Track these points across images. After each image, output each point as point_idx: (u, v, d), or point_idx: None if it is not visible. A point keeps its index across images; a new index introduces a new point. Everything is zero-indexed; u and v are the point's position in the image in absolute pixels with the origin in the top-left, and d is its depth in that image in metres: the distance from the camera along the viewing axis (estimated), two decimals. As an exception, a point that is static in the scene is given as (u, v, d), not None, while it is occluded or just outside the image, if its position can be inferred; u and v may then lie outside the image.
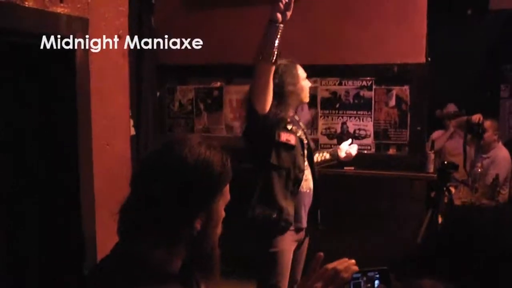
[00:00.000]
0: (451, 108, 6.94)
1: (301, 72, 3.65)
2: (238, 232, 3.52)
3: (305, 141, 3.66)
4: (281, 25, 3.11)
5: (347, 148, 4.10)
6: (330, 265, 1.89)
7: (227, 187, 1.76)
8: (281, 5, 3.07)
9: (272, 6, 3.10)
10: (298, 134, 3.59)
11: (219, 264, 1.82)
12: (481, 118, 5.63)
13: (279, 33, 3.11)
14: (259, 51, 3.14)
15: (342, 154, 4.09)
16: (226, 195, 1.76)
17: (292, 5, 3.10)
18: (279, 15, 3.08)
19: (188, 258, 1.72)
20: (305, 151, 3.63)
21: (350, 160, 4.22)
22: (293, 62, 3.63)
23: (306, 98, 3.70)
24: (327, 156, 4.06)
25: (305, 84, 3.65)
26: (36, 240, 2.12)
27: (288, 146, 3.50)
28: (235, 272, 3.92)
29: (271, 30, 3.11)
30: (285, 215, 3.45)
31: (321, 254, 1.84)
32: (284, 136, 3.49)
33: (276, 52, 3.13)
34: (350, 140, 4.20)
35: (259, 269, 3.61)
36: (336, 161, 4.17)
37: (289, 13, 3.11)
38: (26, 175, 1.93)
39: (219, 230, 1.76)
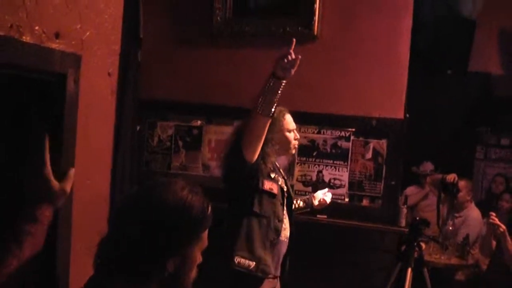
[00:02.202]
0: (428, 166, 7.01)
1: (288, 123, 3.63)
2: (216, 279, 3.54)
3: (285, 189, 3.66)
4: (284, 81, 3.11)
5: (321, 197, 4.14)
6: None
7: (205, 233, 1.79)
8: (286, 62, 3.06)
9: (277, 61, 3.08)
10: (279, 183, 3.58)
11: None
12: (456, 178, 5.73)
13: (281, 89, 3.12)
14: (259, 105, 3.14)
15: (315, 202, 4.12)
16: (203, 241, 1.79)
17: (298, 62, 3.09)
18: (283, 72, 3.09)
19: None
20: (285, 200, 3.63)
21: (323, 208, 4.26)
22: (283, 111, 3.60)
23: (287, 150, 3.67)
24: (301, 204, 4.08)
25: (289, 135, 3.62)
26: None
27: (270, 194, 3.48)
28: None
29: (273, 85, 3.10)
30: (262, 265, 3.42)
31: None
32: (268, 185, 3.47)
33: (275, 106, 3.17)
34: (326, 189, 4.24)
35: None
36: (310, 209, 4.20)
37: (293, 70, 3.09)
38: (3, 209, 1.93)
39: (193, 274, 1.77)
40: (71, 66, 2.02)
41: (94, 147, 2.35)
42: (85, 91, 2.16)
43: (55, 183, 1.79)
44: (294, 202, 3.95)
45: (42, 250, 1.86)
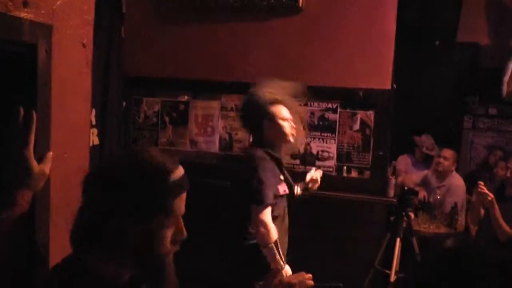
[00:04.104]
0: (427, 139, 6.99)
1: (279, 112, 3.56)
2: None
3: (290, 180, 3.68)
4: None
5: (312, 174, 4.11)
6: (286, 278, 1.90)
7: (178, 201, 1.70)
8: None
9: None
10: (284, 177, 3.59)
11: (173, 280, 1.79)
12: (425, 195, 6.01)
13: None
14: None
15: (307, 179, 4.09)
16: (176, 209, 1.70)
17: None
18: None
19: (136, 271, 1.70)
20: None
21: (316, 187, 4.19)
22: (274, 103, 3.55)
23: (286, 138, 3.59)
24: (299, 191, 4.06)
25: (283, 123, 3.55)
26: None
27: (284, 195, 3.55)
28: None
29: None
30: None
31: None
32: (282, 189, 3.51)
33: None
34: (313, 170, 4.20)
35: None
36: (307, 192, 4.15)
37: None
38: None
39: (166, 243, 1.69)
40: (41, 37, 1.97)
41: (71, 121, 2.31)
42: (59, 63, 2.12)
43: (35, 166, 1.76)
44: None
45: (20, 229, 1.83)
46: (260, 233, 3.34)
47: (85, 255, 1.67)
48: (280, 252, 3.34)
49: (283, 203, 3.59)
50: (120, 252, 1.64)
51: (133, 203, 1.61)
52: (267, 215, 3.35)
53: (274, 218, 3.45)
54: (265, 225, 3.33)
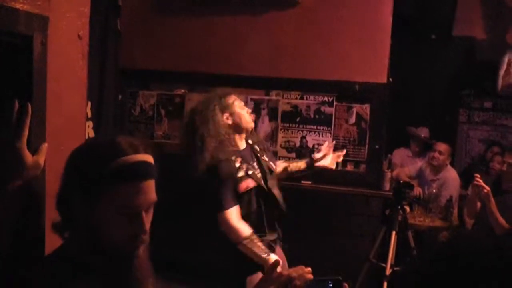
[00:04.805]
0: (424, 131, 7.01)
1: (238, 102, 3.53)
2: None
3: (260, 174, 3.56)
4: None
5: (326, 146, 4.00)
6: (285, 271, 1.91)
7: (124, 187, 1.59)
8: None
9: None
10: (250, 172, 3.46)
11: (146, 273, 1.72)
12: (421, 192, 5.97)
13: None
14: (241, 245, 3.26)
15: (317, 155, 3.96)
16: (121, 195, 1.59)
17: None
18: None
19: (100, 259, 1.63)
20: (268, 175, 3.57)
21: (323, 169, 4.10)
22: (221, 97, 3.49)
23: (249, 125, 3.55)
24: (302, 165, 4.01)
25: (242, 112, 3.51)
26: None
27: (249, 190, 3.43)
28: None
29: None
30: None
31: (279, 260, 1.85)
32: (243, 186, 3.40)
33: None
34: (326, 142, 4.10)
35: None
36: (310, 171, 4.09)
37: None
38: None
39: (118, 232, 1.61)
40: (37, 28, 1.96)
41: (67, 113, 2.29)
42: (54, 55, 2.11)
43: (28, 157, 1.75)
44: (294, 164, 3.98)
45: (14, 221, 1.83)
46: (228, 235, 3.32)
47: (68, 241, 1.70)
48: (259, 244, 3.25)
49: (255, 197, 3.45)
50: (81, 237, 1.64)
51: (78, 179, 1.61)
52: (230, 217, 3.31)
53: (247, 215, 3.39)
54: (228, 228, 3.30)
